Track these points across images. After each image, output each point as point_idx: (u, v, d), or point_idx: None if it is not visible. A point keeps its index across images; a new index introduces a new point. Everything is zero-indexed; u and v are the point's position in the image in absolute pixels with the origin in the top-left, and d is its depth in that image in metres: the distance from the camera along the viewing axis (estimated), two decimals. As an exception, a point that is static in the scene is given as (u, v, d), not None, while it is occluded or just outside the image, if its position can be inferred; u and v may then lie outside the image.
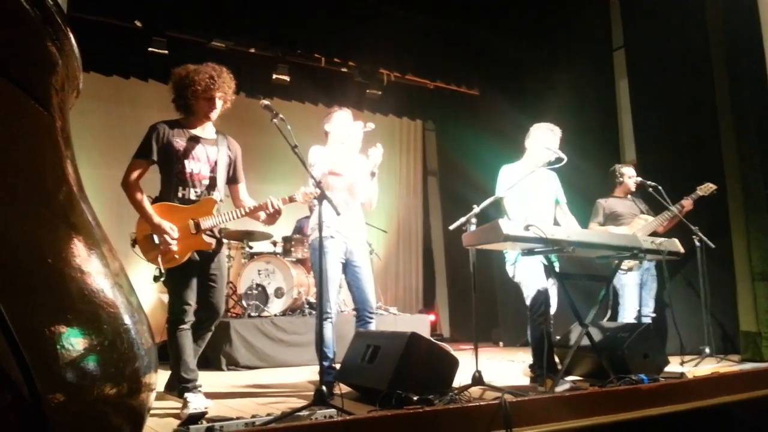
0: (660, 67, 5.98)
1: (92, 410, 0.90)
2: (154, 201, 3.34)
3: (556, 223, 4.03)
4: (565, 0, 6.40)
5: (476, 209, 3.46)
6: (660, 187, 4.77)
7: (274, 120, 3.05)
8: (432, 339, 3.60)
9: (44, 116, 1.12)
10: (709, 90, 5.16)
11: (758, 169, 4.75)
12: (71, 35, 1.10)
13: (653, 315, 5.06)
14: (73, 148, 1.23)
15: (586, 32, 6.83)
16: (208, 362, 5.15)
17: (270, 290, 5.84)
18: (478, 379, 3.28)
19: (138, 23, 6.05)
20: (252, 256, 6.26)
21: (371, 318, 3.70)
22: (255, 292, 5.79)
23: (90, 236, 1.10)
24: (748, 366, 4.31)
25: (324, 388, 2.75)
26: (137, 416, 0.98)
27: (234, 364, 5.11)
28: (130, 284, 1.15)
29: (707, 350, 4.78)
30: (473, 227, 3.37)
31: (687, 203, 4.91)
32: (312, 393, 2.97)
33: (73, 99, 1.22)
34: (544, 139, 3.94)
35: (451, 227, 3.47)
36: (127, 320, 1.04)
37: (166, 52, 6.13)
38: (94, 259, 1.06)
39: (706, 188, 4.95)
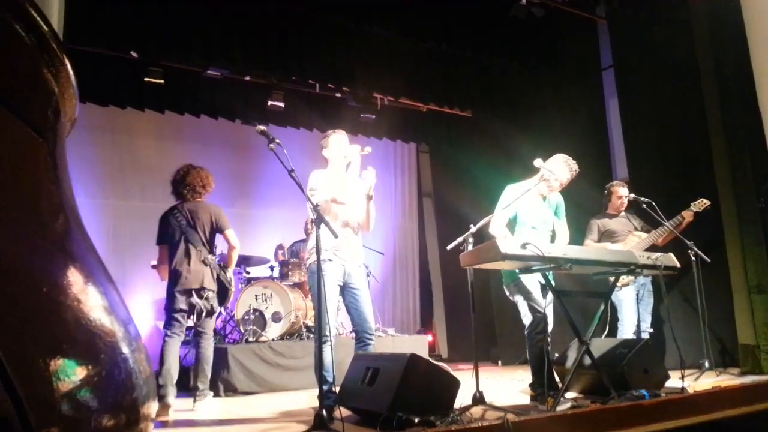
0: (649, 85, 6.07)
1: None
2: None
3: (554, 236, 4.05)
4: (554, 21, 6.49)
5: (473, 228, 3.48)
6: (654, 203, 4.80)
7: (271, 145, 3.08)
8: (431, 360, 3.59)
9: (39, 143, 1.12)
10: (699, 106, 5.23)
11: (750, 182, 4.79)
12: (67, 62, 1.11)
13: (651, 330, 5.06)
14: (69, 176, 1.24)
15: (576, 53, 6.95)
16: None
17: (268, 315, 5.82)
18: (479, 399, 3.27)
19: (134, 53, 6.10)
20: (249, 281, 6.25)
21: (371, 340, 3.69)
22: (252, 317, 5.76)
23: (86, 265, 1.10)
24: (749, 379, 4.30)
25: (324, 412, 2.74)
26: (135, 448, 0.98)
27: (232, 390, 5.06)
28: (127, 313, 1.15)
29: (706, 364, 4.78)
30: (470, 246, 3.39)
31: (687, 214, 4.92)
32: (312, 418, 2.95)
33: (69, 126, 1.23)
34: (559, 171, 3.92)
35: (449, 247, 3.49)
36: (124, 349, 1.03)
37: (162, 81, 6.19)
38: (91, 288, 1.05)
39: (700, 204, 4.98)
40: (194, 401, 4.17)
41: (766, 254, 4.70)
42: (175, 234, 4.25)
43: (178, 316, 4.16)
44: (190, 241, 4.20)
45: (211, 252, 4.31)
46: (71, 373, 0.89)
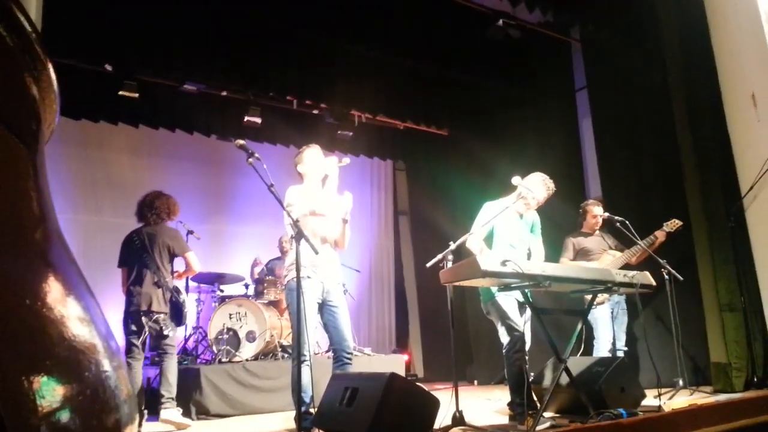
0: (622, 106, 6.21)
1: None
2: None
3: (530, 254, 4.07)
4: (530, 43, 6.61)
5: (452, 246, 3.48)
6: (627, 222, 4.86)
7: (250, 159, 3.05)
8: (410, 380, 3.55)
9: (21, 150, 1.07)
10: (670, 127, 5.34)
11: (721, 203, 4.90)
12: (50, 66, 1.07)
13: (625, 348, 5.10)
14: (48, 185, 1.19)
15: (551, 73, 7.08)
16: (178, 411, 4.97)
17: (242, 334, 5.70)
18: (459, 420, 3.23)
19: (108, 67, 6.02)
20: (223, 300, 6.13)
21: (349, 359, 3.63)
22: (226, 336, 5.64)
23: (68, 277, 1.05)
24: (723, 397, 4.35)
25: (302, 433, 2.67)
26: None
27: (204, 413, 4.92)
28: (108, 328, 1.10)
29: (681, 382, 4.83)
30: (450, 264, 3.38)
31: (660, 234, 5.01)
32: (289, 439, 2.89)
33: (49, 133, 1.19)
34: (536, 189, 3.95)
35: (429, 264, 3.47)
36: (107, 366, 0.98)
37: (137, 95, 6.08)
38: (73, 302, 1.00)
39: (672, 224, 5.07)
40: (160, 411, 4.28)
41: (737, 273, 4.79)
42: (133, 257, 4.45)
43: (132, 338, 4.33)
44: (145, 264, 4.40)
45: (170, 274, 4.49)
46: (54, 392, 0.84)
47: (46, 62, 1.11)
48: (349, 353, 3.64)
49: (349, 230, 3.77)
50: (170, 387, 4.35)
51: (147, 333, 4.31)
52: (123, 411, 0.94)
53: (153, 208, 4.54)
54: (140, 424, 4.10)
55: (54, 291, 0.95)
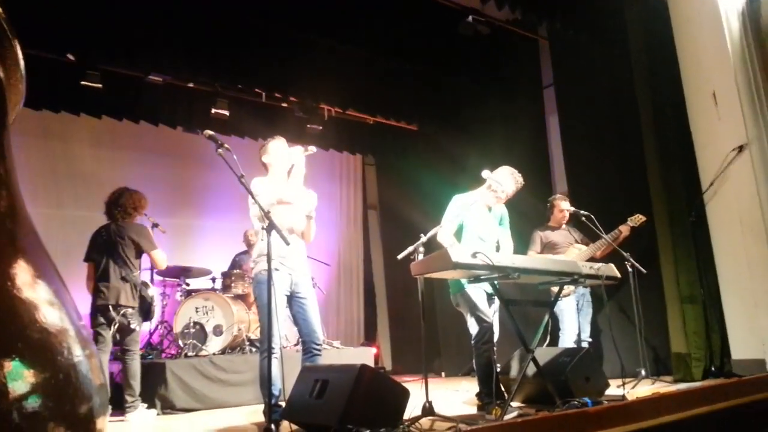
0: (588, 102, 6.31)
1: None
2: None
3: (498, 246, 4.12)
4: (499, 39, 6.67)
5: (423, 238, 3.49)
6: (593, 217, 4.95)
7: (219, 150, 3.01)
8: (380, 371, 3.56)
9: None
10: (635, 125, 5.46)
11: (683, 198, 5.05)
12: (17, 43, 1.03)
13: (590, 339, 5.21)
14: (15, 168, 1.16)
15: (518, 71, 7.16)
16: (143, 406, 4.90)
17: (209, 328, 5.63)
18: (428, 410, 3.25)
19: (71, 56, 5.84)
20: (189, 293, 6.04)
21: (318, 351, 3.63)
22: (192, 330, 5.56)
23: (38, 261, 1.02)
24: (683, 386, 4.49)
25: (272, 427, 2.65)
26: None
27: (170, 408, 4.85)
28: (79, 315, 1.07)
29: (643, 372, 4.95)
30: (421, 256, 3.39)
31: (624, 228, 5.13)
32: (258, 433, 2.87)
33: (14, 115, 1.15)
34: (505, 183, 3.99)
35: (400, 256, 3.49)
36: (79, 352, 0.95)
37: (100, 85, 5.92)
38: (43, 285, 0.97)
39: (636, 219, 5.19)
40: (125, 413, 4.37)
41: (697, 266, 4.94)
42: (100, 252, 4.52)
43: (99, 330, 4.38)
44: (111, 259, 4.46)
45: (136, 269, 4.54)
46: (26, 376, 0.81)
47: (13, 39, 1.08)
48: (318, 345, 3.63)
49: (314, 225, 3.79)
50: (133, 389, 4.42)
51: (116, 325, 4.34)
52: (95, 400, 0.91)
53: (119, 205, 4.60)
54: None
55: (24, 274, 0.92)
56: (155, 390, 4.87)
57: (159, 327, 6.00)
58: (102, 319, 4.38)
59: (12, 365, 0.81)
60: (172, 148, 7.24)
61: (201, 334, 5.60)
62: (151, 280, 6.06)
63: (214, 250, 6.97)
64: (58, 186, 6.58)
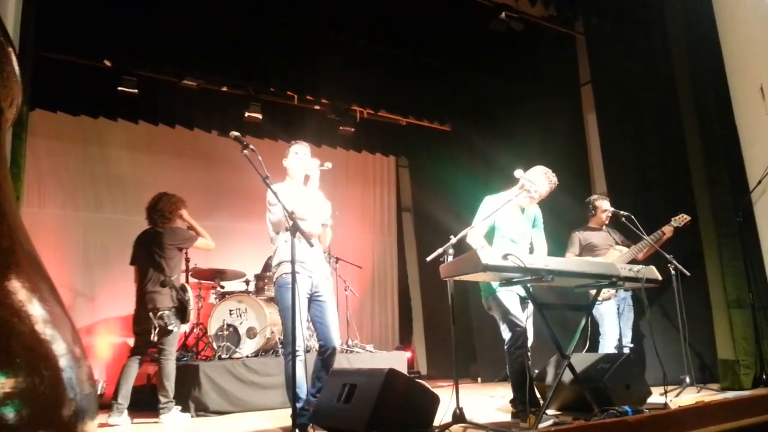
0: (627, 99, 6.11)
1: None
2: None
3: (532, 249, 4.00)
4: (534, 36, 6.52)
5: (453, 240, 3.40)
6: (633, 217, 4.78)
7: (245, 151, 3.00)
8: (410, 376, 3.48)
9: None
10: (676, 121, 5.26)
11: (728, 196, 4.81)
12: (11, 50, 1.01)
13: (631, 345, 5.02)
14: (9, 174, 1.13)
15: (554, 68, 6.98)
16: (177, 408, 4.93)
17: (242, 330, 5.64)
18: (459, 417, 3.16)
19: (107, 62, 5.96)
20: (223, 296, 6.08)
21: (333, 355, 3.64)
22: (226, 332, 5.58)
23: (33, 279, 1.01)
24: (731, 395, 4.27)
25: (297, 431, 2.61)
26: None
27: (203, 410, 4.87)
28: (72, 328, 1.06)
29: (687, 380, 4.74)
30: (450, 258, 3.31)
31: (668, 230, 4.93)
32: (285, 437, 2.82)
33: (8, 124, 1.13)
34: (539, 182, 3.87)
35: (429, 258, 3.40)
36: (65, 363, 0.94)
37: (136, 91, 6.04)
38: (36, 302, 0.97)
39: (681, 219, 4.98)
40: (159, 414, 4.42)
41: (744, 268, 4.70)
42: (141, 257, 4.65)
43: (138, 337, 4.56)
44: (151, 264, 4.56)
45: (174, 273, 4.61)
46: (5, 384, 0.80)
47: (8, 48, 1.05)
48: (334, 348, 3.64)
49: (330, 232, 3.85)
50: (167, 391, 4.46)
51: (156, 330, 4.42)
52: (81, 406, 0.89)
53: (157, 210, 4.69)
54: (112, 412, 4.32)
55: (16, 292, 0.92)
56: (189, 392, 4.90)
57: (194, 329, 6.05)
58: (142, 325, 4.49)
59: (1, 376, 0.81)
60: (207, 152, 7.32)
61: (234, 337, 5.61)
62: (186, 281, 6.13)
63: (249, 253, 7.00)
64: (97, 189, 6.71)
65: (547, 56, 6.95)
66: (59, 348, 0.90)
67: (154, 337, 4.43)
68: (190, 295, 4.71)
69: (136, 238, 4.74)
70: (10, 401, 0.79)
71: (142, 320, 4.49)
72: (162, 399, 4.43)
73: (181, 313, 4.56)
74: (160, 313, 4.43)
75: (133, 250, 4.72)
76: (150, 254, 4.59)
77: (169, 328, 4.44)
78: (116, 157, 6.95)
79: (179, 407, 4.59)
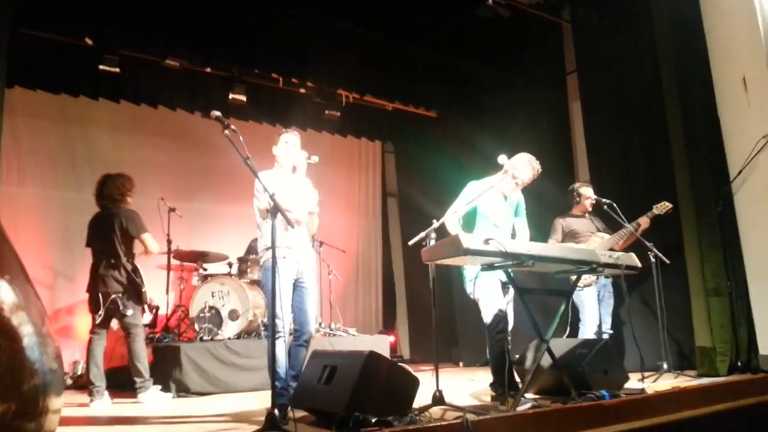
0: (611, 89, 6.13)
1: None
2: None
3: (514, 235, 4.02)
4: (521, 24, 6.50)
5: (436, 224, 3.41)
6: (615, 205, 4.81)
7: (226, 131, 2.97)
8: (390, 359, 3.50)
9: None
10: (660, 111, 5.28)
11: (709, 187, 4.85)
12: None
13: (611, 331, 5.08)
14: None
15: (541, 56, 6.98)
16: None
17: (224, 313, 5.62)
18: (438, 399, 3.19)
19: (89, 40, 5.85)
20: (206, 278, 6.05)
21: (306, 343, 3.67)
22: (208, 314, 5.57)
23: (6, 266, 0.99)
24: (707, 381, 4.34)
25: (276, 411, 2.61)
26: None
27: (184, 391, 4.87)
28: (41, 308, 1.05)
29: (665, 366, 4.81)
30: (433, 242, 3.31)
31: (644, 221, 4.98)
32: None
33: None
34: (522, 170, 3.87)
35: (411, 242, 3.41)
36: (29, 341, 0.93)
37: (118, 70, 5.94)
38: (6, 287, 0.95)
39: (662, 207, 5.02)
40: (137, 395, 4.46)
41: (723, 258, 4.76)
42: (93, 239, 4.62)
43: (95, 316, 4.49)
44: (102, 245, 4.53)
45: (125, 255, 4.53)
46: None
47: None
48: (307, 337, 3.66)
49: (317, 219, 3.87)
50: (139, 371, 4.46)
51: (107, 311, 4.42)
52: (45, 380, 0.88)
53: (103, 194, 4.63)
54: (92, 396, 4.35)
55: None
56: (170, 373, 4.90)
57: (176, 311, 6.02)
58: (94, 306, 4.48)
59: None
60: (190, 134, 7.23)
61: (216, 319, 5.60)
62: (168, 264, 6.09)
63: (231, 236, 6.96)
64: (77, 170, 6.61)
65: (533, 44, 6.94)
66: (20, 319, 0.89)
67: (97, 319, 4.44)
68: (142, 276, 4.62)
69: (89, 220, 4.67)
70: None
71: (93, 302, 4.48)
72: (137, 380, 4.44)
73: (136, 295, 4.52)
74: (112, 297, 4.40)
75: (87, 232, 4.66)
76: (101, 236, 4.54)
77: (126, 312, 4.43)
78: (97, 136, 6.84)
79: (159, 386, 4.60)
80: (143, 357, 4.50)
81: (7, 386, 0.81)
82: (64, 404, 0.99)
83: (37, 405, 0.86)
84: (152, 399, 4.45)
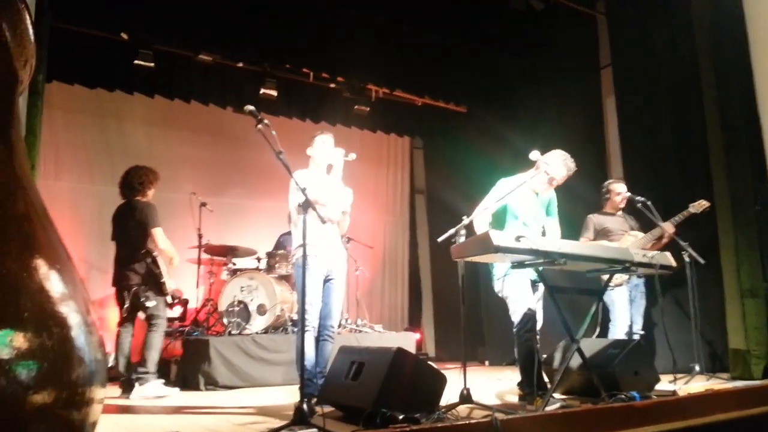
0: (647, 83, 5.99)
1: (23, 418, 0.79)
2: None
3: (544, 232, 3.96)
4: (554, 16, 6.40)
5: (465, 220, 3.38)
6: (649, 203, 4.71)
7: (259, 126, 2.98)
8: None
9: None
10: (697, 107, 5.15)
11: (748, 185, 4.71)
12: (24, 7, 1.00)
13: (642, 332, 4.98)
14: (23, 145, 1.14)
15: (574, 50, 6.85)
16: (186, 382, 4.99)
17: (252, 307, 5.68)
18: (466, 397, 3.16)
19: (124, 35, 5.96)
20: (235, 272, 6.12)
21: (330, 336, 3.70)
22: (236, 309, 5.63)
23: (54, 256, 1.02)
24: (741, 384, 4.23)
25: (305, 406, 2.63)
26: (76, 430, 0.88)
27: (213, 384, 4.94)
28: (87, 297, 1.07)
29: (697, 368, 4.71)
30: (462, 239, 3.28)
31: (668, 227, 4.81)
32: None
33: (22, 86, 1.12)
34: (556, 167, 3.79)
35: (440, 239, 3.38)
36: (78, 330, 0.96)
37: (152, 65, 6.04)
38: (56, 276, 0.99)
39: (699, 205, 4.89)
40: (132, 385, 4.41)
41: (760, 258, 4.63)
42: (115, 232, 4.67)
43: (121, 310, 4.56)
44: (123, 238, 4.59)
45: (143, 247, 4.55)
46: (14, 343, 0.80)
47: (21, 8, 1.04)
48: (331, 330, 3.70)
49: (348, 219, 3.93)
50: (145, 361, 4.43)
51: (130, 304, 4.49)
52: (90, 369, 0.90)
53: (125, 184, 4.68)
54: (126, 391, 4.39)
55: (37, 268, 0.94)
56: (199, 366, 4.97)
57: (205, 305, 6.10)
58: (119, 300, 4.55)
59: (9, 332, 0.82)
60: (221, 129, 7.32)
61: (245, 313, 5.66)
62: (198, 259, 6.18)
63: (261, 230, 7.03)
64: (113, 163, 6.73)
65: (566, 37, 6.81)
66: (69, 307, 0.91)
67: (124, 313, 4.51)
68: (162, 268, 4.62)
69: (113, 213, 4.71)
70: (20, 358, 0.79)
71: (119, 296, 4.55)
72: (139, 369, 4.41)
73: (156, 286, 4.54)
74: (134, 290, 4.45)
75: (112, 226, 4.71)
76: (122, 229, 4.58)
77: (147, 304, 4.47)
78: (132, 131, 6.97)
79: (163, 380, 4.58)
80: (154, 349, 4.49)
81: (59, 373, 0.84)
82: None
83: (84, 394, 0.88)
84: (146, 394, 4.34)
